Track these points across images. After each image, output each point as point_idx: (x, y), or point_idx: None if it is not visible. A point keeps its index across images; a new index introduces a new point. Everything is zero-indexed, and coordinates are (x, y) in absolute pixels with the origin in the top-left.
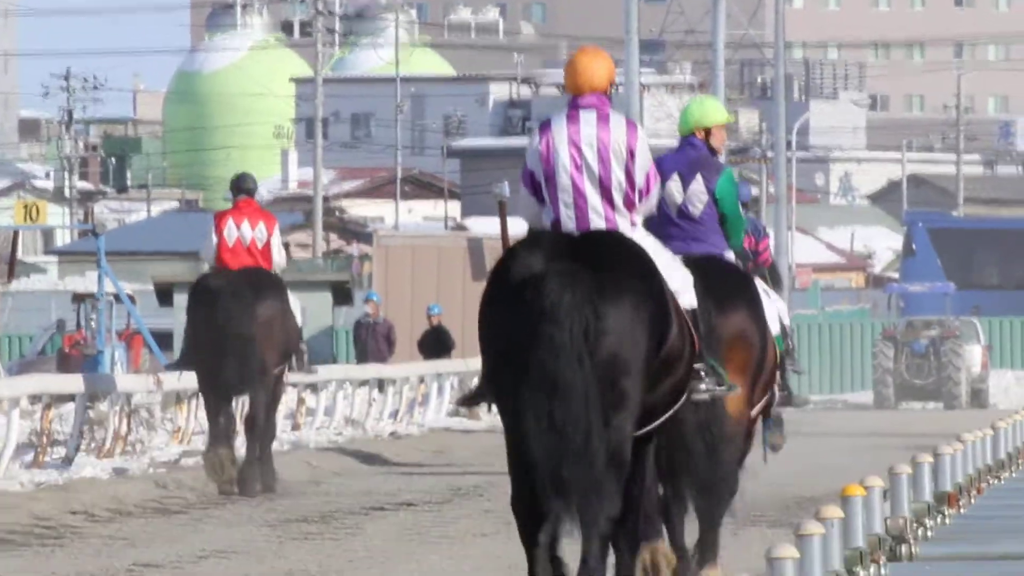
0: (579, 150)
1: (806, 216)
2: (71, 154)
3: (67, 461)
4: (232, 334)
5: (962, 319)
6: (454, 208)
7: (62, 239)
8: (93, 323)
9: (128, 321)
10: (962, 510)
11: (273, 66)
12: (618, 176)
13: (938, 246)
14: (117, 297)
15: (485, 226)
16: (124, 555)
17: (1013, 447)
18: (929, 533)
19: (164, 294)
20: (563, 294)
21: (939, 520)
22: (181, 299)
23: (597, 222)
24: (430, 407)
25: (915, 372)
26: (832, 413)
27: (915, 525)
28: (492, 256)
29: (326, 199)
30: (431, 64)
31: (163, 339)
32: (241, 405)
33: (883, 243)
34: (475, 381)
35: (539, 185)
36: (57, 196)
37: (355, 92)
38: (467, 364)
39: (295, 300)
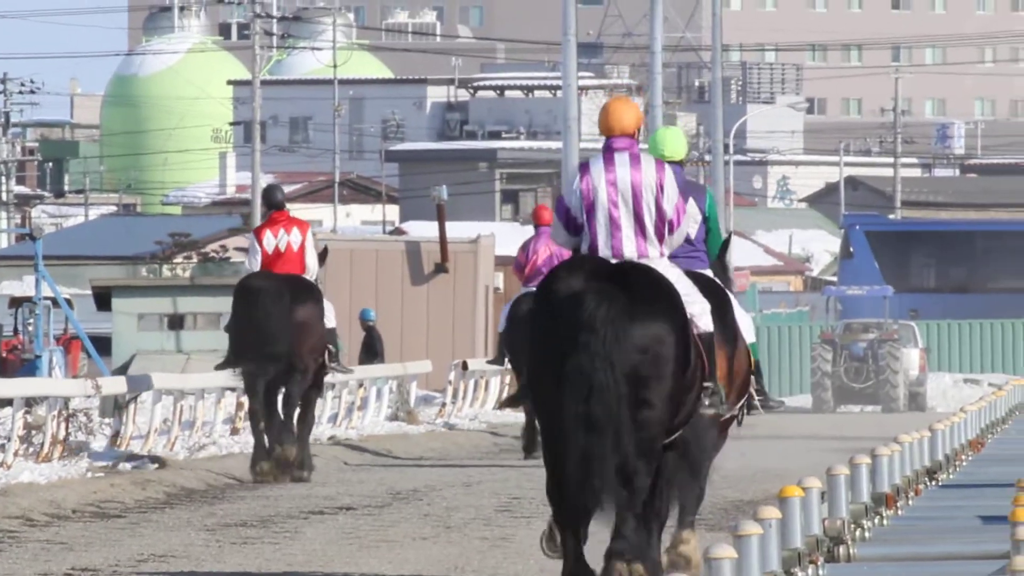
0: (616, 188)
1: (744, 219)
2: (8, 158)
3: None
4: (271, 329)
5: (900, 322)
6: (392, 212)
7: None
8: (31, 327)
9: (66, 325)
10: (899, 511)
11: (210, 69)
12: (649, 209)
13: (876, 249)
14: (55, 301)
15: (423, 230)
16: (62, 559)
17: (950, 449)
18: (867, 534)
19: (102, 298)
20: (599, 308)
21: (877, 521)
22: (119, 303)
23: (630, 250)
24: (368, 411)
25: (853, 375)
26: (770, 417)
27: (853, 526)
28: (430, 260)
29: None
30: (369, 67)
31: (101, 343)
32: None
33: (821, 246)
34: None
35: (573, 219)
36: None
37: (293, 95)
38: (405, 368)
39: (329, 304)
